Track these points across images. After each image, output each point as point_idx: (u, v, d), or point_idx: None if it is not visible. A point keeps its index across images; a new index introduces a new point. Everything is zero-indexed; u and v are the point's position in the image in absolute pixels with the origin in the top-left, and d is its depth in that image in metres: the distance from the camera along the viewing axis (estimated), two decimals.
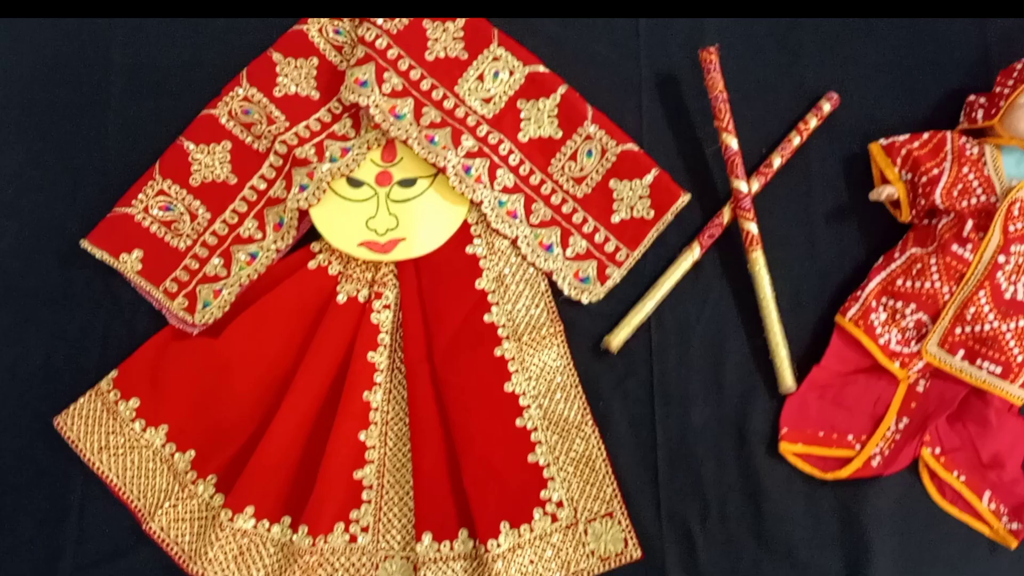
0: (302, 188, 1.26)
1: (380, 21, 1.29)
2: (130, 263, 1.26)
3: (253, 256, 1.27)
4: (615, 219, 1.31)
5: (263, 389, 1.23)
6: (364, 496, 1.22)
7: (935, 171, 1.25)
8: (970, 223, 1.23)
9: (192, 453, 1.23)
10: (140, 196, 1.28)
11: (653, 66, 1.36)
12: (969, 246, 1.22)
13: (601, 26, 1.37)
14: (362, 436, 1.22)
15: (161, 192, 1.28)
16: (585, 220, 1.31)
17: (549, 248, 1.30)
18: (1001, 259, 1.21)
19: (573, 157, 1.32)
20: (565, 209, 1.31)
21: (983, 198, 1.23)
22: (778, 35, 1.37)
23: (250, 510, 1.20)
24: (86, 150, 1.34)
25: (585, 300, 1.29)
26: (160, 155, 1.30)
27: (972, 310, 1.21)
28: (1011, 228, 1.21)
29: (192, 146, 1.29)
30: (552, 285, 1.30)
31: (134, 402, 1.23)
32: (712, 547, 1.24)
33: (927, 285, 1.23)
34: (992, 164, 1.25)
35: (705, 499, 1.26)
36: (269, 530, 1.20)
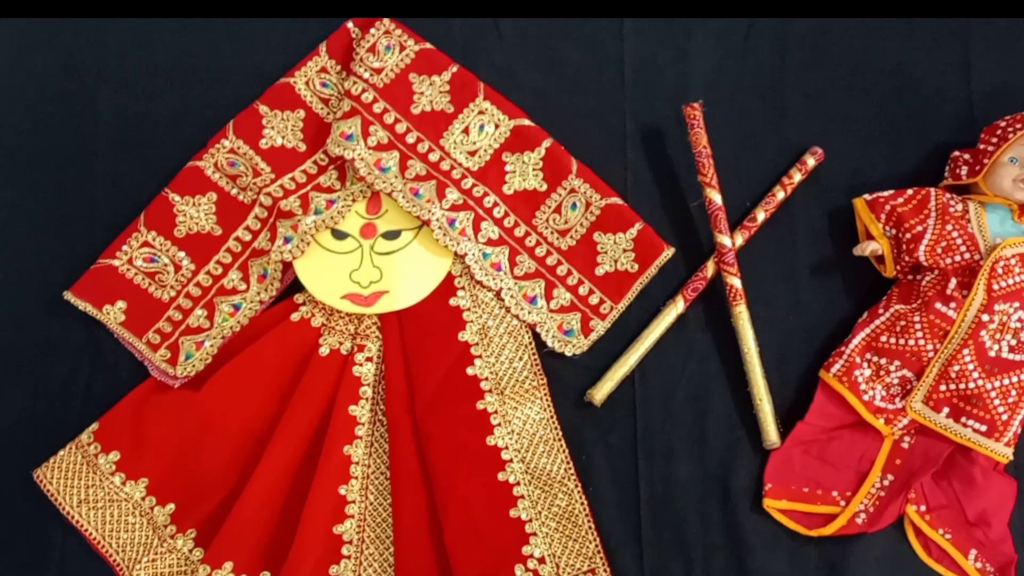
0: (286, 240, 1.26)
1: (366, 75, 1.30)
2: (113, 314, 1.26)
3: (236, 307, 1.27)
4: (599, 272, 1.31)
5: (244, 442, 1.23)
6: (344, 551, 1.21)
7: (919, 228, 1.25)
8: (954, 281, 1.23)
9: (172, 507, 1.23)
10: (124, 247, 1.28)
11: (638, 120, 1.37)
12: (953, 304, 1.22)
13: (587, 80, 1.38)
14: (342, 490, 1.22)
15: (146, 243, 1.28)
16: (569, 272, 1.31)
17: (533, 300, 1.30)
18: (985, 318, 1.20)
19: (558, 210, 1.32)
20: (549, 261, 1.31)
21: (967, 256, 1.23)
22: (763, 90, 1.38)
23: (229, 565, 1.19)
24: (72, 200, 1.35)
25: (569, 353, 1.29)
26: (145, 206, 1.30)
27: (956, 368, 1.21)
28: (995, 287, 1.21)
29: (177, 197, 1.30)
30: (536, 337, 1.30)
31: (114, 455, 1.23)
32: None
33: (911, 342, 1.23)
34: (976, 222, 1.25)
35: (689, 556, 1.25)
36: None
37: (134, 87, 1.37)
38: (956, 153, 1.31)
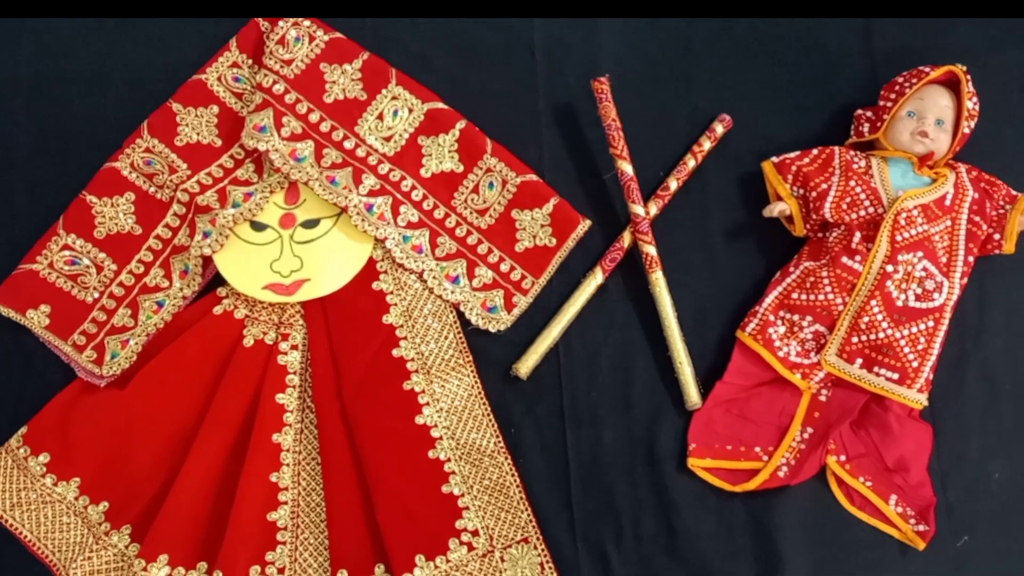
0: (205, 235, 1.27)
1: (277, 67, 1.32)
2: (37, 319, 1.27)
3: (160, 304, 1.28)
4: (519, 248, 1.33)
5: (173, 437, 1.24)
6: (279, 537, 1.22)
7: (824, 185, 1.28)
8: (858, 235, 1.26)
9: (105, 504, 1.24)
10: (45, 252, 1.29)
11: (551, 98, 1.39)
12: (858, 257, 1.25)
13: (499, 61, 1.40)
14: (274, 478, 1.23)
15: (66, 247, 1.29)
16: (490, 251, 1.33)
17: (456, 280, 1.33)
18: (889, 268, 1.24)
19: (475, 190, 1.34)
20: (470, 241, 1.34)
21: (871, 210, 1.26)
22: (671, 62, 1.40)
23: (164, 558, 1.20)
24: None
25: (493, 329, 1.31)
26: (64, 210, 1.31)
27: (866, 319, 1.24)
28: (898, 238, 1.24)
29: (95, 199, 1.30)
30: (460, 316, 1.32)
31: (44, 457, 1.24)
32: (628, 566, 1.26)
33: (821, 297, 1.26)
34: (879, 176, 1.28)
35: (619, 519, 1.28)
36: None
37: (49, 94, 1.38)
38: (859, 111, 1.34)
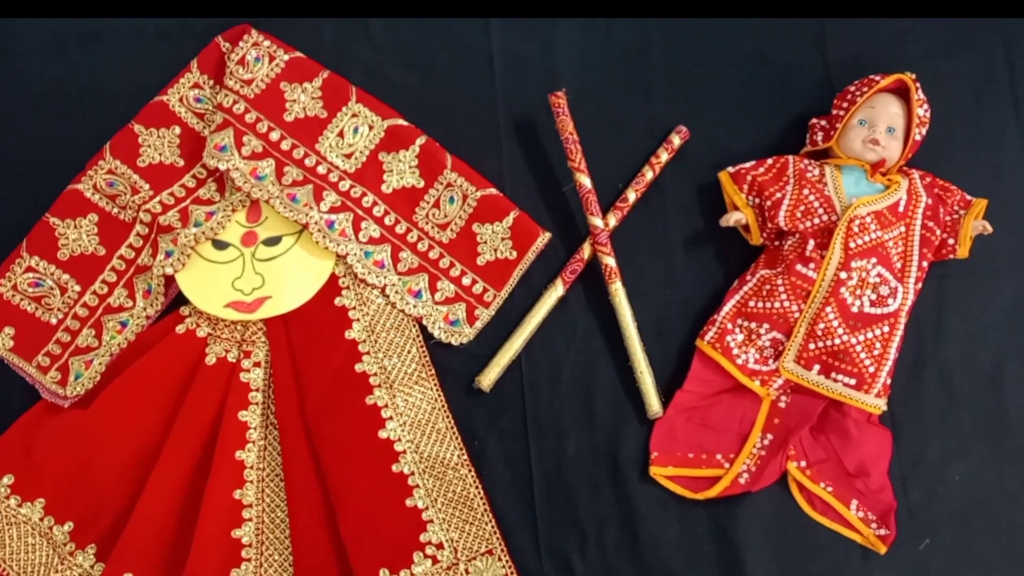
0: (167, 254, 1.29)
1: (237, 87, 1.33)
2: (1, 341, 1.28)
3: (124, 324, 1.29)
4: (480, 261, 1.34)
5: (137, 455, 1.25)
6: (244, 554, 1.23)
7: (778, 195, 1.30)
8: (812, 243, 1.28)
9: (71, 525, 1.24)
10: (8, 274, 1.30)
11: (510, 112, 1.41)
12: (812, 265, 1.27)
13: (458, 77, 1.41)
14: (237, 495, 1.24)
15: (29, 269, 1.30)
16: (452, 264, 1.35)
17: (418, 295, 1.34)
18: (843, 275, 1.25)
19: (436, 204, 1.36)
20: (432, 255, 1.35)
21: (824, 218, 1.28)
22: (628, 75, 1.42)
23: None
24: None
25: (456, 342, 1.33)
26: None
27: (822, 326, 1.26)
28: (851, 244, 1.26)
29: (58, 221, 1.32)
30: (423, 330, 1.33)
31: (8, 479, 1.25)
32: (592, 575, 1.27)
33: (777, 304, 1.28)
34: (832, 184, 1.30)
35: (583, 529, 1.29)
36: None
37: (9, 118, 1.39)
38: (813, 120, 1.36)
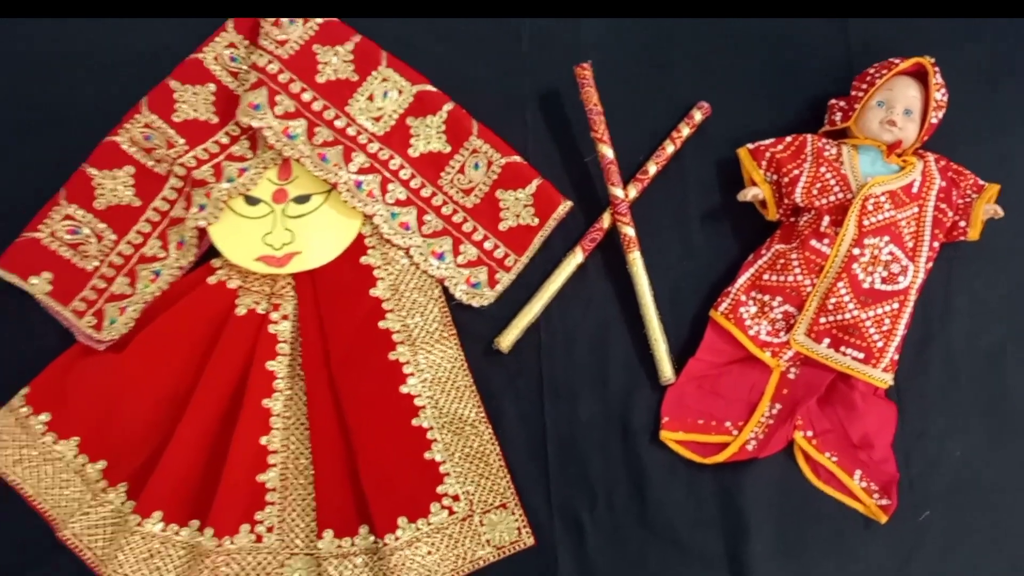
0: (201, 208, 1.33)
1: (272, 47, 1.37)
2: (39, 285, 1.32)
3: (157, 274, 1.34)
4: (503, 227, 1.38)
5: (167, 400, 1.29)
6: (268, 498, 1.28)
7: (795, 171, 1.33)
8: (827, 219, 1.31)
9: (103, 463, 1.29)
10: (47, 221, 1.34)
11: (536, 83, 1.44)
12: (826, 240, 1.31)
13: (487, 48, 1.45)
14: (263, 441, 1.29)
15: (67, 216, 1.34)
16: (475, 229, 1.39)
17: (441, 256, 1.38)
18: (856, 251, 1.29)
19: (461, 170, 1.39)
20: (455, 219, 1.39)
21: (840, 195, 1.32)
22: (652, 50, 1.45)
23: (158, 515, 1.26)
24: None
25: (476, 304, 1.37)
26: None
27: (833, 300, 1.29)
28: (865, 222, 1.30)
29: (95, 172, 1.36)
30: (445, 291, 1.37)
31: (45, 416, 1.29)
32: (600, 534, 1.32)
33: (790, 278, 1.32)
34: (849, 163, 1.33)
35: (593, 489, 1.33)
36: (178, 533, 1.26)
37: (49, 74, 1.42)
38: (832, 101, 1.39)
